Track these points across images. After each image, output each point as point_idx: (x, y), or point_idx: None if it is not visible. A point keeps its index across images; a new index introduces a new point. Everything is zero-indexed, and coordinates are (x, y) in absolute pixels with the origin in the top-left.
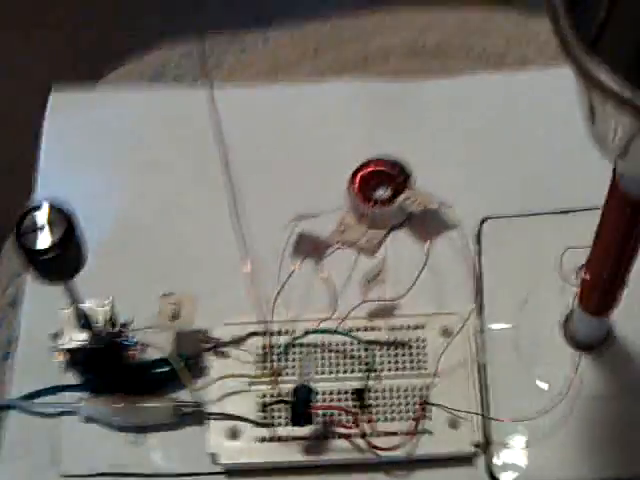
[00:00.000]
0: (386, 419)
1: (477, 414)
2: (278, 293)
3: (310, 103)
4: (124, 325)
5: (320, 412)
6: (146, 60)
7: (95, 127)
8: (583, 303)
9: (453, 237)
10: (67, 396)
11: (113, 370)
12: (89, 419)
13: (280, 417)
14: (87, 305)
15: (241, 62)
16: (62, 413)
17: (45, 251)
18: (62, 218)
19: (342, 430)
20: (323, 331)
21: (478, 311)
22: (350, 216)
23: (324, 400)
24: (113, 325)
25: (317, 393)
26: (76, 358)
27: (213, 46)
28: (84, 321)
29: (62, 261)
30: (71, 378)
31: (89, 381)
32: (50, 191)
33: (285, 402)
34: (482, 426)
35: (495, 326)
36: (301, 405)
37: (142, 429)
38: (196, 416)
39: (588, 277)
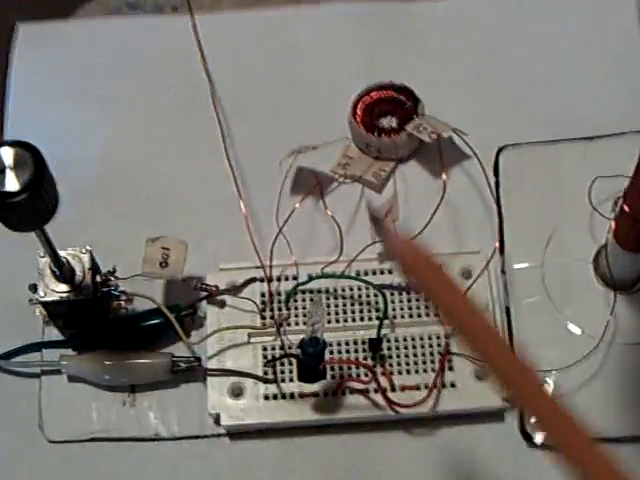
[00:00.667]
0: (404, 372)
1: None
2: (277, 235)
3: (303, 27)
4: (108, 274)
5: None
6: None
7: (68, 62)
8: (619, 238)
9: (469, 168)
10: (49, 353)
11: (98, 324)
12: (74, 378)
13: (287, 372)
14: (65, 253)
15: None
16: (44, 372)
17: (13, 194)
18: (30, 158)
19: (356, 385)
20: (329, 275)
21: (500, 249)
22: (353, 147)
23: (332, 352)
24: (95, 274)
25: (326, 345)
26: (57, 311)
27: None
28: (63, 271)
29: (33, 205)
30: (53, 333)
31: (73, 336)
32: (21, 134)
33: (292, 356)
34: None
35: (519, 265)
36: (310, 360)
37: (134, 388)
38: (194, 373)
39: (627, 209)
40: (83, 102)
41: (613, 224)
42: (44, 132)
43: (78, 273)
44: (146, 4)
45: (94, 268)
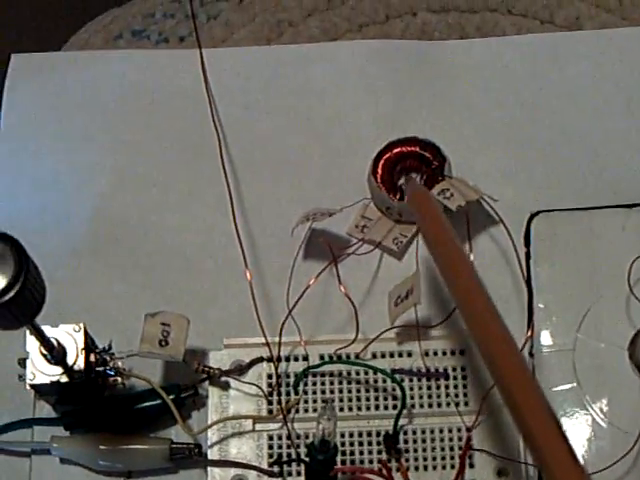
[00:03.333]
0: (421, 468)
1: (527, 464)
2: (287, 316)
3: (320, 69)
4: (103, 352)
5: None
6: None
7: (62, 101)
8: None
9: (497, 236)
10: (41, 430)
11: (93, 403)
12: (65, 460)
13: (294, 466)
14: (56, 332)
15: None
16: (35, 452)
17: None
18: (10, 251)
19: None
20: (342, 362)
21: (528, 328)
22: (373, 208)
23: (343, 444)
24: (88, 354)
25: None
26: (47, 392)
27: None
28: (54, 354)
29: (19, 304)
30: (45, 408)
31: (65, 415)
32: (10, 181)
33: (300, 461)
34: (536, 475)
35: (548, 348)
36: (319, 466)
37: (130, 474)
38: (194, 461)
39: None
40: (78, 146)
41: None
42: (35, 179)
43: (70, 354)
44: (151, 32)
45: (88, 347)
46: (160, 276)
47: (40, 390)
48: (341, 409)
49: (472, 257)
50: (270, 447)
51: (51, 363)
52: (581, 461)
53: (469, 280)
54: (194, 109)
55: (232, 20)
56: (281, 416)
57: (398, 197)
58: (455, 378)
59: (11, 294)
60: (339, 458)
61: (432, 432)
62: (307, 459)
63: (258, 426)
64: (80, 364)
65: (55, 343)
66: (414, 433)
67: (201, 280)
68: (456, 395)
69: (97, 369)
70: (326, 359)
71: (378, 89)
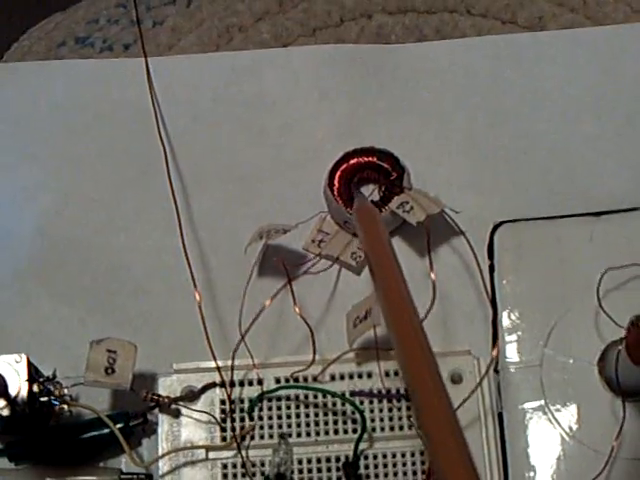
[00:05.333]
0: None
1: None
2: (240, 341)
3: (272, 76)
4: (47, 381)
5: None
6: (63, 22)
7: (1, 112)
8: (633, 355)
9: (459, 248)
10: None
11: (37, 433)
12: None
13: None
14: None
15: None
16: None
17: None
18: None
19: None
20: (297, 387)
21: (493, 344)
22: (330, 221)
23: (301, 472)
24: (32, 384)
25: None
26: None
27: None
28: None
29: None
30: None
31: (9, 445)
32: None
33: None
34: None
35: (514, 364)
36: None
37: None
38: None
39: None
40: (19, 163)
41: (625, 337)
42: None
43: (13, 385)
44: (95, 39)
45: (31, 377)
46: (107, 299)
47: None
48: (299, 435)
49: (433, 274)
50: (225, 476)
51: None
52: None
53: (401, 305)
54: (140, 122)
55: (179, 25)
56: (235, 444)
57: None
58: None
59: None
60: None
61: (394, 456)
62: None
63: (211, 454)
64: (23, 395)
65: None
66: (375, 458)
67: (150, 302)
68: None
69: (41, 399)
70: (282, 383)
71: (333, 96)
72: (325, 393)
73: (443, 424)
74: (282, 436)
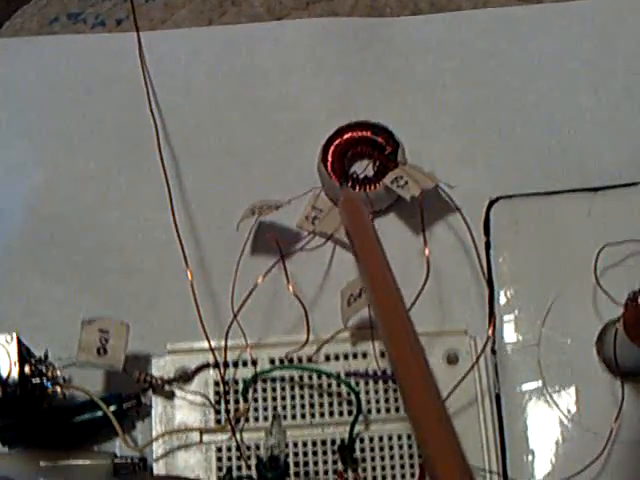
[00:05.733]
0: (379, 478)
1: (491, 472)
2: (233, 320)
3: (265, 50)
4: (39, 362)
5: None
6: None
7: None
8: (631, 333)
9: (455, 224)
10: None
11: (30, 416)
12: (3, 478)
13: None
14: None
15: None
16: None
17: None
18: None
19: None
20: (292, 367)
21: (490, 323)
22: (324, 198)
23: (297, 454)
24: (23, 365)
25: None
26: None
27: None
28: None
29: None
30: None
31: (2, 430)
32: None
33: (249, 478)
34: None
35: (512, 344)
36: None
37: None
38: (139, 476)
39: None
40: (9, 139)
41: (623, 315)
42: None
43: (3, 366)
44: (88, 15)
45: (22, 358)
46: (99, 278)
47: None
48: (293, 417)
49: (427, 250)
50: (219, 459)
51: None
52: (548, 465)
53: (387, 295)
54: (132, 97)
55: (172, 0)
56: (229, 427)
57: (350, 185)
58: None
59: None
60: (292, 470)
61: (390, 439)
62: (256, 477)
63: (206, 437)
64: (14, 377)
65: None
66: (371, 440)
67: (142, 281)
68: None
69: (33, 381)
70: (276, 363)
71: (327, 70)
72: (320, 373)
73: (429, 412)
74: (275, 416)
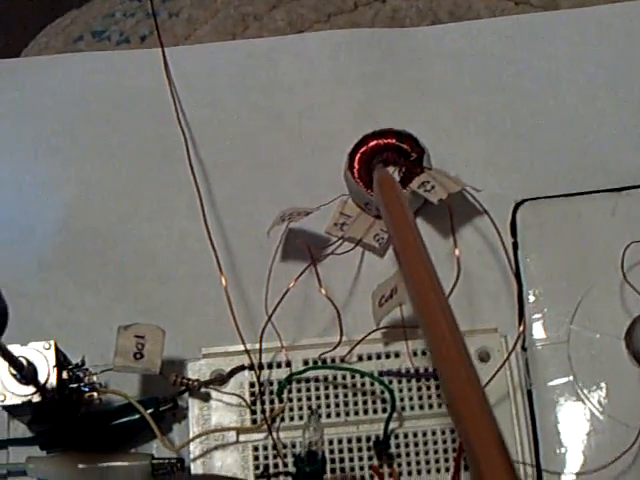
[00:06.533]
0: (414, 472)
1: (525, 464)
2: (267, 322)
3: (288, 62)
4: (76, 368)
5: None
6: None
7: (21, 109)
8: None
9: (483, 227)
10: (16, 450)
11: (68, 421)
12: None
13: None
14: (25, 350)
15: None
16: (10, 474)
17: None
18: None
19: None
20: (326, 367)
21: (519, 322)
22: (351, 204)
23: (332, 452)
24: (61, 371)
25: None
26: (20, 412)
27: None
28: (24, 373)
29: None
30: (20, 427)
31: (40, 434)
32: None
33: (287, 474)
34: (535, 475)
35: (541, 341)
36: (307, 479)
37: None
38: (178, 477)
39: None
40: (41, 155)
41: None
42: None
43: (41, 372)
44: (112, 32)
45: (60, 364)
46: (133, 287)
47: (12, 411)
48: (328, 415)
49: (457, 251)
50: (256, 458)
51: (22, 383)
52: (580, 457)
53: (423, 273)
54: (159, 111)
55: (194, 16)
56: (265, 426)
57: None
58: None
59: None
60: (328, 467)
61: (424, 435)
62: (294, 471)
63: (242, 437)
64: (52, 382)
65: (25, 362)
66: (405, 437)
67: (176, 288)
68: None
69: (71, 386)
70: (310, 364)
71: (350, 81)
72: (354, 373)
73: (472, 401)
74: (312, 412)
